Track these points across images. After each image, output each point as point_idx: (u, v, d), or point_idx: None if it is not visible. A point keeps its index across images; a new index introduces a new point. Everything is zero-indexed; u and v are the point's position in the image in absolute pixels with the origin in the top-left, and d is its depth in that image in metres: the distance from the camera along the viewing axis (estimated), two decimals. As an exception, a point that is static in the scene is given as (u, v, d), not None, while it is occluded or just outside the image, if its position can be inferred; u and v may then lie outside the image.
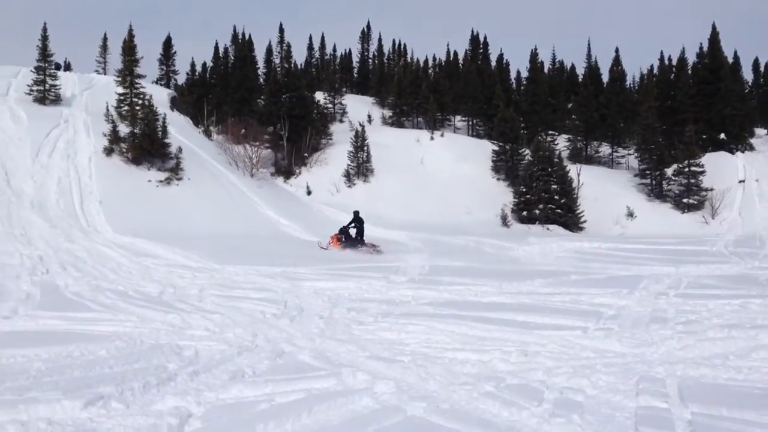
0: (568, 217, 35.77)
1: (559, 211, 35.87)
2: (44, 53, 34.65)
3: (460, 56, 70.64)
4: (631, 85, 64.26)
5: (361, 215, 21.61)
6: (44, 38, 35.34)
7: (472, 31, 71.44)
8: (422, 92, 53.67)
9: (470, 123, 56.57)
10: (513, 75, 68.95)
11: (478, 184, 39.67)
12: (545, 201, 36.03)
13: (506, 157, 41.77)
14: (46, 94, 33.13)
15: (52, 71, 34.36)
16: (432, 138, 45.37)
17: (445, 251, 19.23)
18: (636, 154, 43.18)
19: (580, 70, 67.20)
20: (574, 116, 49.78)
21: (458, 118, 57.12)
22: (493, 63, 68.59)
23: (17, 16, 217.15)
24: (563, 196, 36.45)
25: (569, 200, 36.51)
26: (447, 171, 40.42)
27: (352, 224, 21.30)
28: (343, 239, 20.79)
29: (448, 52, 71.70)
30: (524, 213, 36.28)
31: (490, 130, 47.77)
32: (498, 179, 41.29)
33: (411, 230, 26.31)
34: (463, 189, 38.44)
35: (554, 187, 36.64)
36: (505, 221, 34.92)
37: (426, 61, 72.08)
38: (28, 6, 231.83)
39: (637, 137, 43.14)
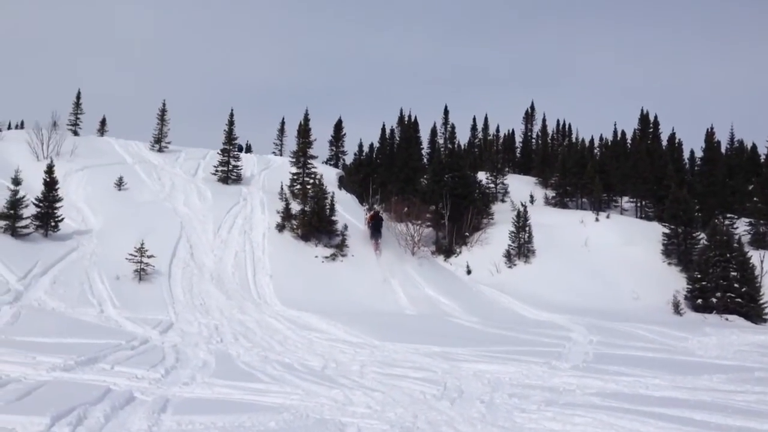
0: (750, 307, 32.90)
1: (739, 300, 33.16)
2: (230, 137, 37.80)
3: (628, 135, 68.77)
4: (822, 165, 59.16)
5: (381, 215, 29.00)
6: (230, 123, 38.62)
7: (642, 110, 69.57)
8: (587, 172, 52.58)
9: (638, 204, 54.37)
10: (686, 155, 65.88)
11: (647, 269, 37.70)
12: (723, 289, 33.52)
13: (678, 241, 39.51)
14: (229, 174, 35.99)
15: (235, 153, 37.40)
16: (597, 219, 44.08)
17: (611, 338, 18.28)
18: (831, 240, 39.41)
19: (762, 150, 63.35)
20: (755, 198, 46.46)
21: (625, 199, 55.17)
22: (664, 142, 66.08)
23: (208, 103, 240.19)
24: (744, 284, 33.72)
25: (751, 288, 33.68)
26: (613, 254, 38.85)
27: (373, 222, 27.96)
28: (370, 224, 27.84)
29: (615, 132, 70.20)
30: (699, 301, 33.86)
31: (661, 212, 45.66)
32: (669, 263, 39.03)
33: (573, 314, 25.33)
34: (630, 273, 36.68)
35: (733, 274, 34.07)
36: (677, 309, 32.75)
37: (591, 141, 70.89)
38: (217, 95, 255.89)
39: (831, 221, 39.46)
